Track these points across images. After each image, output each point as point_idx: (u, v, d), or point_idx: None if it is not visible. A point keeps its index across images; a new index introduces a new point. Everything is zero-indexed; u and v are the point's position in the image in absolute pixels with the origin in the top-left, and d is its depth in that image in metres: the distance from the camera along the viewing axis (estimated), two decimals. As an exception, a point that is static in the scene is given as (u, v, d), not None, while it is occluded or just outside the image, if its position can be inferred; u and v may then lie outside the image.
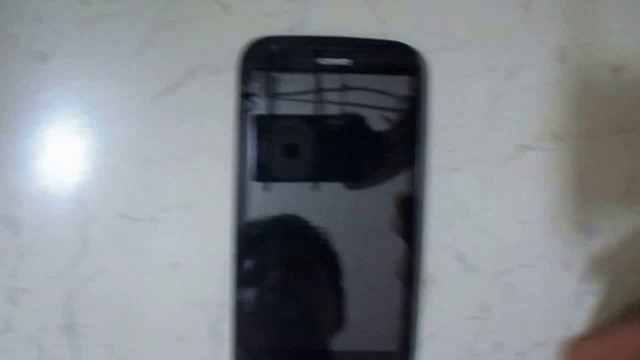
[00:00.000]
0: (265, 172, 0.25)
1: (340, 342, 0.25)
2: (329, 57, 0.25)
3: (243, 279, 0.25)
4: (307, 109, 0.25)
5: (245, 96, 0.25)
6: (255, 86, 0.25)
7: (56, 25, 0.28)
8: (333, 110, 0.25)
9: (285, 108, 0.25)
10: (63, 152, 0.28)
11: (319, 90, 0.25)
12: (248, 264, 0.25)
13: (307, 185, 0.25)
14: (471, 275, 0.27)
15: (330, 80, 0.25)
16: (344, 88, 0.25)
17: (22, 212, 0.28)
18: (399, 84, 0.25)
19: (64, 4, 0.28)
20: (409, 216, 0.25)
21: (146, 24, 0.27)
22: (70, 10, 0.28)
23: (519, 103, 0.27)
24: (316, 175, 0.25)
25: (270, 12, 0.27)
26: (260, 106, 0.25)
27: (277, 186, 0.25)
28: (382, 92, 0.25)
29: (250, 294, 0.25)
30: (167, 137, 0.28)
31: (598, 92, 0.27)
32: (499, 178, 0.27)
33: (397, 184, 0.25)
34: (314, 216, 0.25)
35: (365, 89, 0.25)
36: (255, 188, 0.25)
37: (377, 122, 0.25)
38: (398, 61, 0.26)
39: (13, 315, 0.28)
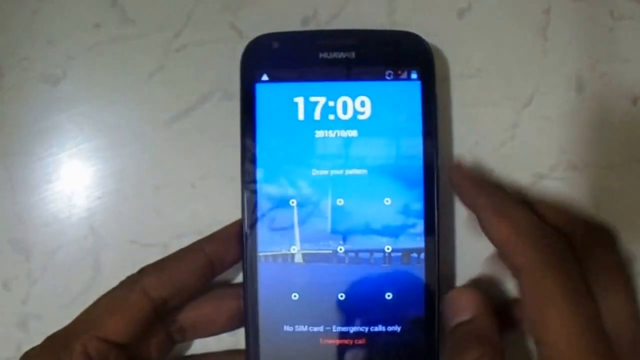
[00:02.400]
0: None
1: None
2: (333, 50, 0.24)
3: (256, 305, 0.25)
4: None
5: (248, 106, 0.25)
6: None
7: (68, 48, 0.27)
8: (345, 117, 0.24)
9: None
10: (74, 177, 0.28)
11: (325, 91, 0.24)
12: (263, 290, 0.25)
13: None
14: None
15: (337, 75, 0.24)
16: (351, 82, 0.24)
17: (34, 237, 0.28)
18: (408, 75, 0.24)
19: (76, 28, 0.27)
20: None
21: (159, 48, 0.27)
22: (83, 34, 0.27)
23: (536, 132, 0.26)
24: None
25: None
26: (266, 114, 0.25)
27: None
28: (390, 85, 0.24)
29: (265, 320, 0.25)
30: (179, 163, 0.27)
31: (616, 122, 0.26)
32: (515, 207, 0.26)
33: (415, 194, 0.24)
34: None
35: (374, 82, 0.24)
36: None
37: (390, 120, 0.24)
38: (406, 51, 0.24)
39: (24, 341, 0.27)
